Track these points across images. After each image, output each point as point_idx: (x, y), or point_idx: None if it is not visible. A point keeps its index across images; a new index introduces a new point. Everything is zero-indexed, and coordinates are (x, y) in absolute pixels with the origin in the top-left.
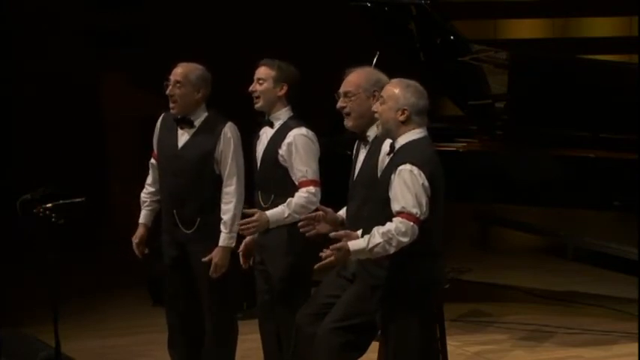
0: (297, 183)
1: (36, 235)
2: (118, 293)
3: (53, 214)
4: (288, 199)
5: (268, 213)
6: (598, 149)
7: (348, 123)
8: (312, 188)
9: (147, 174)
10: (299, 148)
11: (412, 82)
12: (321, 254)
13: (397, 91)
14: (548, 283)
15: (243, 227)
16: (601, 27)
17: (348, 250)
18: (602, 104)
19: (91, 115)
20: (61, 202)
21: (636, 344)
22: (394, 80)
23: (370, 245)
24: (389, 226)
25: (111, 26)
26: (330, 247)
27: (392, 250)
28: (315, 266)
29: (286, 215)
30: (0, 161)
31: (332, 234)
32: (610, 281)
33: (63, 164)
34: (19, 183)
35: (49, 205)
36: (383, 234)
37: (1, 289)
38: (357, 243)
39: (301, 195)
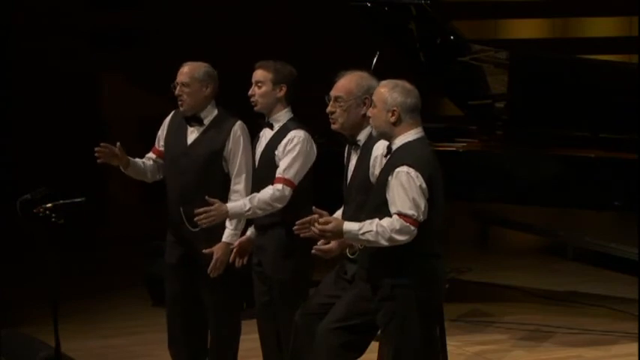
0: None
1: (36, 235)
2: (117, 293)
3: (53, 214)
4: (253, 194)
5: (229, 205)
6: (598, 149)
7: (334, 126)
8: (280, 186)
9: None
10: (291, 148)
11: (400, 82)
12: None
13: (385, 92)
14: (548, 283)
15: (200, 217)
16: (601, 27)
17: (341, 229)
18: (602, 104)
19: (90, 115)
20: (61, 202)
21: (636, 344)
22: (383, 82)
23: (363, 230)
24: (386, 220)
25: (111, 26)
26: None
27: (383, 243)
28: (313, 250)
29: (247, 209)
30: (0, 161)
31: (321, 220)
32: (610, 281)
33: (63, 164)
34: (19, 183)
35: (49, 205)
36: (378, 225)
37: (1, 289)
38: (351, 225)
39: (267, 191)
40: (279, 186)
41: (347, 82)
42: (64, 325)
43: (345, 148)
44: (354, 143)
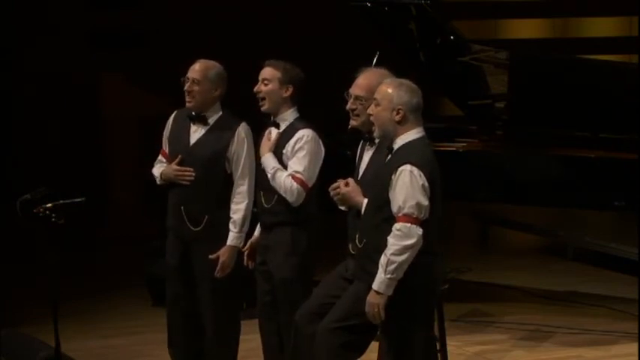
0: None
1: (36, 235)
2: (117, 293)
3: (53, 214)
4: (281, 168)
5: (269, 153)
6: (598, 149)
7: (354, 122)
8: (295, 184)
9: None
10: (301, 147)
11: (404, 81)
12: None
13: (390, 90)
14: (548, 283)
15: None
16: (601, 27)
17: (374, 295)
18: (602, 104)
19: (90, 115)
20: (61, 202)
21: (636, 344)
22: (386, 80)
23: (384, 270)
24: (389, 240)
25: (111, 26)
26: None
27: (405, 258)
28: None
29: (271, 170)
30: (0, 161)
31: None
32: (610, 281)
33: (63, 164)
34: (19, 183)
35: (49, 205)
36: (387, 252)
37: (1, 289)
38: (376, 279)
39: (289, 181)
40: (294, 184)
41: (367, 81)
42: (64, 325)
43: (350, 147)
44: (370, 139)
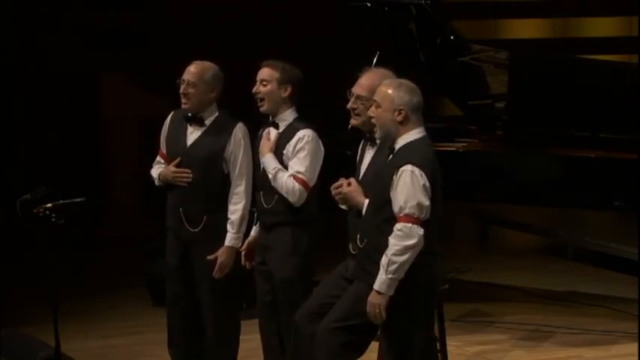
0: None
1: (36, 235)
2: (117, 293)
3: (53, 214)
4: (282, 169)
5: (270, 154)
6: (598, 149)
7: (354, 121)
8: (297, 184)
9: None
10: (302, 147)
11: (404, 81)
12: None
13: (390, 91)
14: (548, 283)
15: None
16: (601, 27)
17: (375, 295)
18: (602, 104)
19: (90, 115)
20: (61, 202)
21: (636, 344)
22: (385, 81)
23: (385, 271)
24: (390, 240)
25: (111, 26)
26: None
27: (406, 257)
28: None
29: (272, 171)
30: (0, 161)
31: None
32: (610, 281)
33: (63, 164)
34: (19, 183)
35: (49, 205)
36: (388, 252)
37: (1, 289)
38: (377, 280)
39: (290, 181)
40: (296, 185)
41: (370, 81)
42: (64, 325)
43: (350, 147)
44: (371, 139)
